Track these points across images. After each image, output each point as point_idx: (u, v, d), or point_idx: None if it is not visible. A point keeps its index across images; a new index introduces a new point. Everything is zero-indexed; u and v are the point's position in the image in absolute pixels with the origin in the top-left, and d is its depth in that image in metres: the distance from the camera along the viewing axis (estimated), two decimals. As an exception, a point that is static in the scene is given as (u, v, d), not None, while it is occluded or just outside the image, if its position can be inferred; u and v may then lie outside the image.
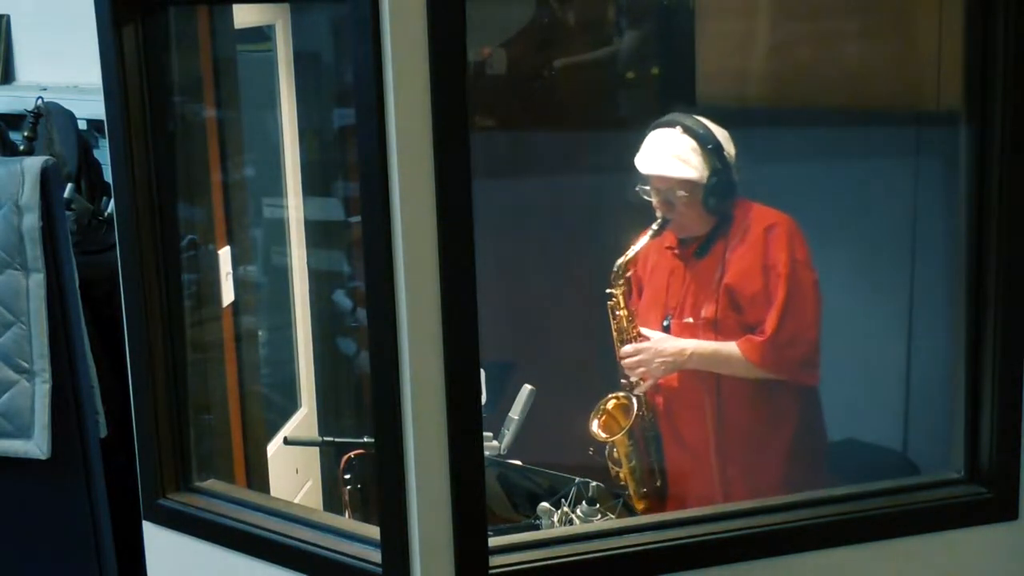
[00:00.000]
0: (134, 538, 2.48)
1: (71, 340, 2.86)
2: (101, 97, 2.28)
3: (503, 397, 2.78)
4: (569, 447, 2.92)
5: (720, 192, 2.70)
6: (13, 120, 3.77)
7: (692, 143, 2.68)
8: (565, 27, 3.46)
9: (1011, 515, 2.25)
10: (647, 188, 2.72)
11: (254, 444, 2.82)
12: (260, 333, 3.01)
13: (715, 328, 2.72)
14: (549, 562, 2.08)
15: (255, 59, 3.17)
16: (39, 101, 3.37)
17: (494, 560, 2.05)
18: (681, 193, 2.70)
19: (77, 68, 4.26)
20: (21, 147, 3.29)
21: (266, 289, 3.27)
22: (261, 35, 3.17)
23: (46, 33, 4.58)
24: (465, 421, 1.98)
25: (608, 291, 2.80)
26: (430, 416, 1.96)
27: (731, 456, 2.80)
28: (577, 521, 2.51)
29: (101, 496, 2.95)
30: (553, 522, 2.51)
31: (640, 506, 2.81)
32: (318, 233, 3.38)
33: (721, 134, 2.70)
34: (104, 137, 2.43)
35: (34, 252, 2.78)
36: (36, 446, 2.84)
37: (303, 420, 3.32)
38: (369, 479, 2.67)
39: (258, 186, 3.14)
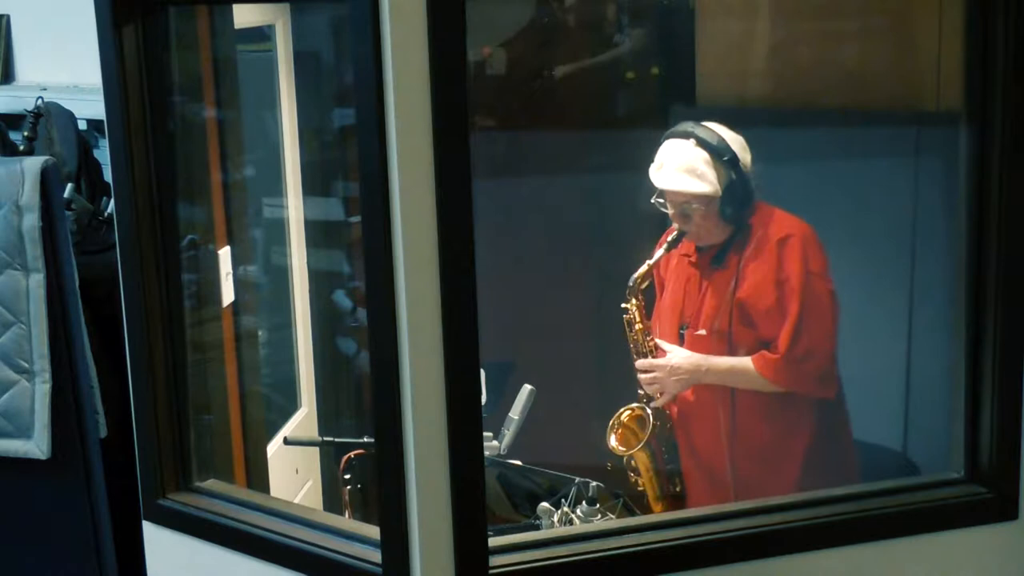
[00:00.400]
0: (134, 538, 2.48)
1: (71, 340, 2.86)
2: (101, 97, 2.28)
3: (503, 397, 2.78)
4: (569, 447, 2.92)
5: (737, 202, 2.68)
6: (13, 120, 3.76)
7: (706, 156, 2.65)
8: (565, 27, 3.46)
9: (1011, 515, 2.25)
10: (662, 201, 2.71)
11: (254, 444, 2.82)
12: (260, 333, 3.01)
13: (729, 341, 2.71)
14: (549, 562, 2.08)
15: (255, 59, 3.17)
16: (39, 101, 3.37)
17: (494, 560, 2.05)
18: (696, 206, 2.68)
19: (77, 68, 4.26)
20: (21, 147, 3.29)
21: (266, 289, 3.27)
22: (261, 35, 3.17)
23: (46, 33, 4.58)
24: (465, 421, 1.98)
25: (623, 305, 2.80)
26: (430, 416, 1.96)
27: (745, 466, 2.78)
28: (577, 521, 2.51)
29: (101, 496, 2.95)
30: (553, 522, 2.51)
31: (658, 509, 2.81)
32: (318, 233, 3.38)
33: (736, 142, 2.68)
34: (104, 137, 2.43)
35: (34, 252, 2.78)
36: (36, 446, 2.84)
37: (303, 420, 3.32)
38: (369, 479, 2.66)
39: (258, 186, 3.14)
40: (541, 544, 2.12)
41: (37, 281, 2.79)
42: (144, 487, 2.39)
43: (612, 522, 2.45)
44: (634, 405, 2.82)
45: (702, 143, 2.66)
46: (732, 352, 2.71)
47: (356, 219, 3.23)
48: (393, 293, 1.93)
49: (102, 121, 2.32)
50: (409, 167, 1.89)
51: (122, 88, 2.25)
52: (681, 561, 2.13)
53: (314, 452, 3.23)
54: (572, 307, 3.24)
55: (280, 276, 3.30)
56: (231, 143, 2.74)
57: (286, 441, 3.02)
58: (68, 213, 3.01)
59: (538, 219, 3.32)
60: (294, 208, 3.30)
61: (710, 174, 2.65)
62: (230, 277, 2.74)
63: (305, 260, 3.31)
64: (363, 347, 3.35)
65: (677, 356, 2.76)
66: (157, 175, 2.32)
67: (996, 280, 2.18)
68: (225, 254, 2.72)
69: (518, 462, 2.71)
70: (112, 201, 2.37)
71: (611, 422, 2.83)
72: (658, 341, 2.79)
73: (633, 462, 2.83)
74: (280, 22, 3.18)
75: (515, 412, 2.73)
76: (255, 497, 2.42)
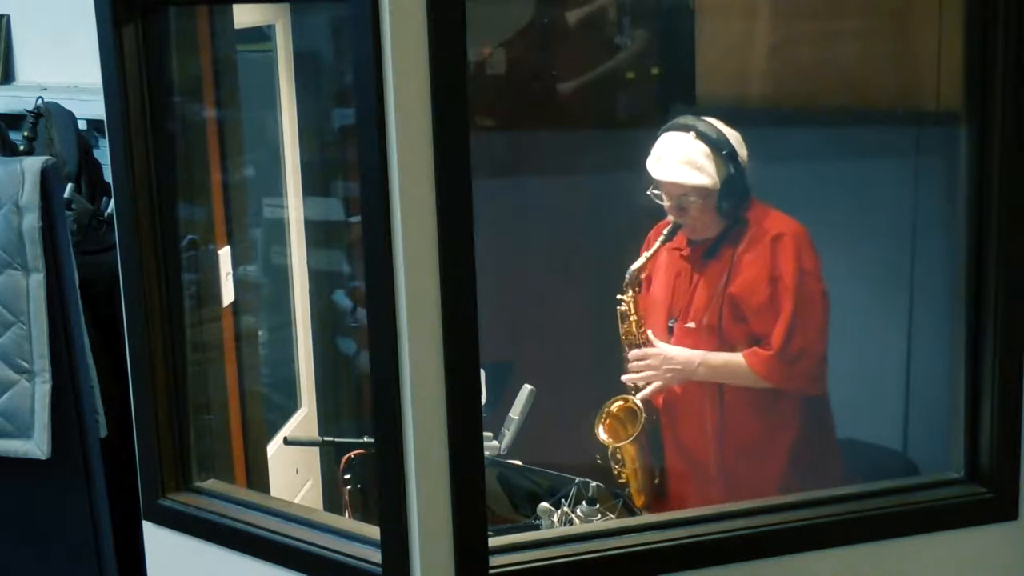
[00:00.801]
0: (134, 538, 2.48)
1: (71, 340, 2.86)
2: (101, 97, 2.28)
3: (503, 397, 2.78)
4: (569, 447, 2.92)
5: (733, 196, 2.69)
6: (13, 120, 3.77)
7: (705, 148, 2.66)
8: (565, 27, 3.46)
9: (1011, 515, 2.25)
10: (659, 193, 2.71)
11: (254, 444, 2.82)
12: (260, 333, 3.01)
13: (719, 335, 2.72)
14: (549, 562, 2.08)
15: (255, 59, 3.17)
16: (39, 101, 3.37)
17: (494, 560, 2.05)
18: (694, 199, 2.69)
19: (77, 68, 4.25)
20: (21, 147, 3.29)
21: (266, 289, 3.27)
22: (261, 35, 3.17)
23: (46, 33, 4.58)
24: (465, 421, 1.98)
25: (619, 297, 2.80)
26: (430, 416, 1.96)
27: (731, 461, 2.79)
28: (577, 521, 2.51)
29: (101, 496, 2.95)
30: (553, 522, 2.51)
31: (640, 501, 2.81)
32: (318, 233, 3.38)
33: (734, 137, 2.69)
34: (104, 137, 2.43)
35: (34, 252, 2.78)
36: (36, 446, 2.84)
37: (303, 420, 3.32)
38: (369, 479, 2.66)
39: (258, 186, 3.14)
40: (541, 544, 2.12)
41: (37, 281, 2.79)
42: (144, 487, 2.39)
43: (612, 522, 2.45)
44: (626, 396, 2.82)
45: (702, 136, 2.67)
46: (721, 346, 2.72)
47: (356, 219, 3.23)
48: (393, 293, 1.93)
49: (102, 121, 2.32)
50: (409, 167, 1.89)
51: (122, 88, 2.25)
52: (681, 561, 2.13)
53: (314, 452, 3.23)
54: (572, 307, 3.24)
55: (280, 276, 3.30)
56: (231, 143, 2.74)
57: (286, 441, 3.02)
58: (68, 213, 3.02)
59: (538, 219, 3.32)
60: (294, 208, 3.30)
61: (709, 167, 2.66)
62: (230, 277, 2.74)
63: (305, 260, 3.31)
64: (363, 347, 3.35)
65: (672, 348, 2.76)
66: (157, 175, 2.32)
67: (996, 280, 2.18)
68: (225, 254, 2.72)
69: (518, 462, 2.71)
70: (112, 201, 2.37)
71: (601, 411, 2.82)
72: (651, 336, 2.79)
73: (619, 453, 2.83)
74: (280, 22, 3.18)
75: (515, 412, 2.73)
76: (255, 497, 2.42)
